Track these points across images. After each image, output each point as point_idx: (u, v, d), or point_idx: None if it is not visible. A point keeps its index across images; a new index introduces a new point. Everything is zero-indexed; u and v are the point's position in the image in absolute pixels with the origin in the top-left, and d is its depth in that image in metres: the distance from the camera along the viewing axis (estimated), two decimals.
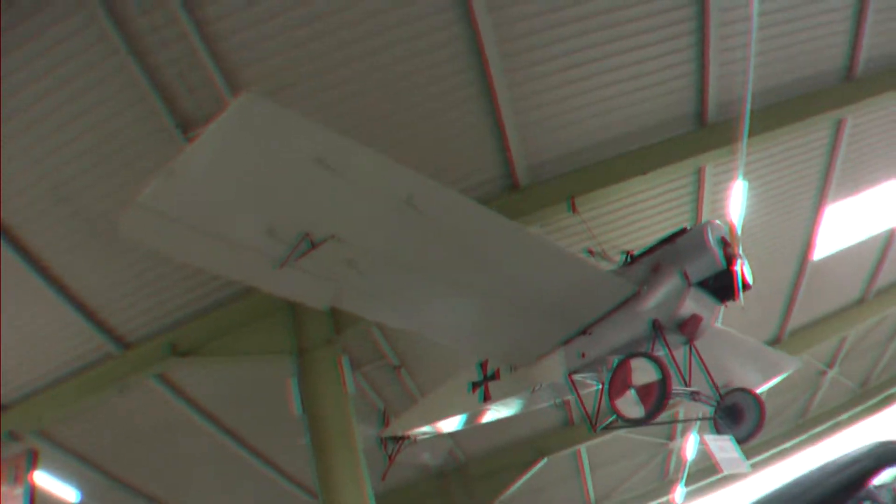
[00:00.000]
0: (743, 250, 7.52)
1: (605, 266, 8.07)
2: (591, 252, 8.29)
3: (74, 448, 12.15)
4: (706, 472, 21.25)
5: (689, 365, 7.38)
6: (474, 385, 8.80)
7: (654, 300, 7.12)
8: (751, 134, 10.23)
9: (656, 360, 6.59)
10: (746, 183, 10.50)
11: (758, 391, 9.95)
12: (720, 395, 7.76)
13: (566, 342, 7.67)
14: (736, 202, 10.74)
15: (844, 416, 21.01)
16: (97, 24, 7.16)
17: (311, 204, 5.40)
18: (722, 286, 7.11)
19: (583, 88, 9.12)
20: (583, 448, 17.50)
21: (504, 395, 8.47)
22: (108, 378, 10.47)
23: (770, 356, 10.05)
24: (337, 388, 8.90)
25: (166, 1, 7.10)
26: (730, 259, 7.04)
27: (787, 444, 21.40)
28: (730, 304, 7.39)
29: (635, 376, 6.63)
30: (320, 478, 8.58)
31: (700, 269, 6.99)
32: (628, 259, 7.76)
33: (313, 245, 5.64)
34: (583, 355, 7.59)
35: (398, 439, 9.93)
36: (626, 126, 9.89)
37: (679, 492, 20.48)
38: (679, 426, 17.86)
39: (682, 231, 7.51)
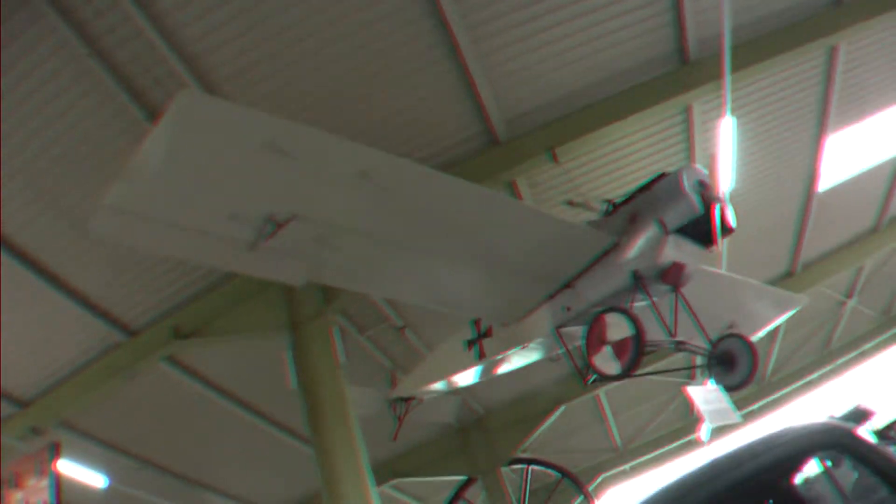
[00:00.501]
0: (728, 192, 7.34)
1: (587, 216, 7.99)
2: (571, 203, 8.16)
3: (99, 435, 12.62)
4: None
5: (674, 314, 7.28)
6: (469, 343, 8.87)
7: (633, 251, 7.02)
8: (738, 68, 9.94)
9: (630, 315, 6.55)
10: (735, 119, 10.24)
11: (763, 331, 9.88)
12: (711, 342, 7.65)
13: (551, 297, 7.66)
14: (725, 139, 10.50)
15: (869, 344, 20.81)
16: (56, 32, 7.25)
17: (267, 187, 5.50)
18: (701, 232, 6.99)
19: (554, 36, 8.83)
20: (601, 393, 17.60)
21: (498, 352, 8.51)
22: (118, 366, 10.80)
23: (774, 295, 9.95)
24: (329, 360, 9.04)
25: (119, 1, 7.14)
26: (708, 203, 6.89)
27: (814, 375, 21.35)
28: (718, 247, 7.29)
29: (610, 332, 6.61)
30: (316, 448, 8.80)
31: (676, 215, 6.85)
32: (610, 208, 7.64)
33: (279, 226, 5.73)
34: (568, 309, 7.58)
35: (406, 400, 10.09)
36: (605, 70, 9.58)
37: (705, 429, 20.54)
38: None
39: (661, 177, 7.37)
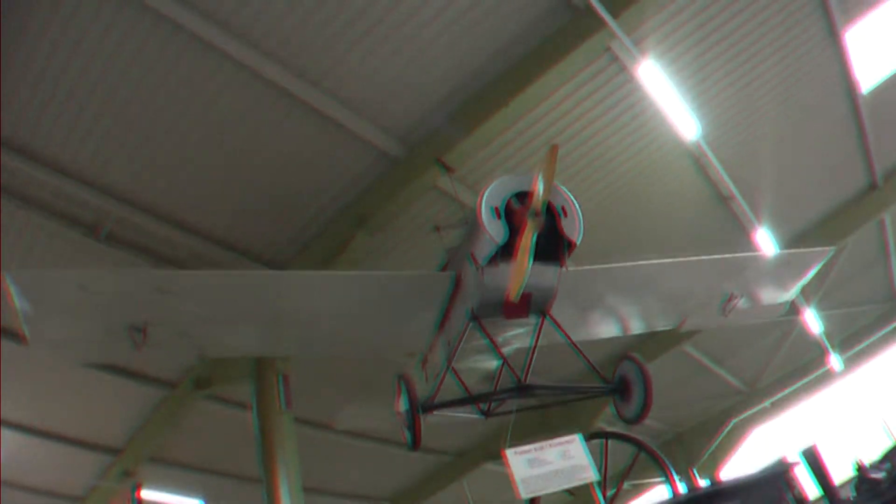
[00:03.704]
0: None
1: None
2: (437, 229, 7.76)
3: (188, 463, 14.61)
4: (862, 334, 19.06)
5: (532, 351, 6.49)
6: (421, 363, 8.99)
7: (467, 287, 6.45)
8: None
9: (406, 384, 6.11)
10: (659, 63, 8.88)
11: (790, 293, 8.28)
12: (599, 374, 6.47)
13: (439, 331, 7.47)
14: (653, 85, 9.11)
15: None
16: None
17: (103, 311, 6.30)
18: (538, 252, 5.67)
19: (404, 36, 8.19)
20: (689, 347, 16.46)
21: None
22: (170, 412, 12.68)
23: (785, 259, 8.53)
24: (275, 406, 9.93)
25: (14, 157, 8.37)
26: (519, 223, 5.62)
27: None
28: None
29: (399, 400, 6.27)
30: (265, 483, 9.75)
31: (483, 248, 5.87)
32: None
33: (143, 331, 6.52)
34: (448, 343, 7.36)
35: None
36: (488, 49, 8.72)
37: (834, 359, 18.44)
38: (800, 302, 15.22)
39: None
